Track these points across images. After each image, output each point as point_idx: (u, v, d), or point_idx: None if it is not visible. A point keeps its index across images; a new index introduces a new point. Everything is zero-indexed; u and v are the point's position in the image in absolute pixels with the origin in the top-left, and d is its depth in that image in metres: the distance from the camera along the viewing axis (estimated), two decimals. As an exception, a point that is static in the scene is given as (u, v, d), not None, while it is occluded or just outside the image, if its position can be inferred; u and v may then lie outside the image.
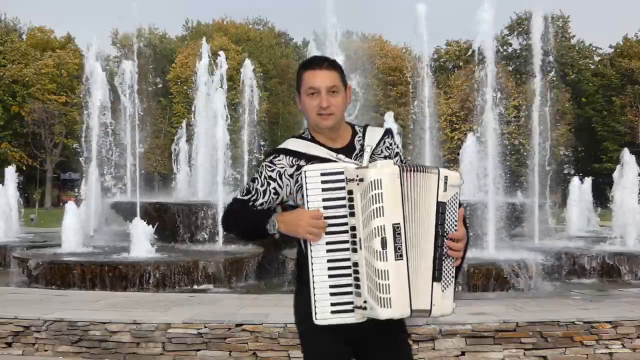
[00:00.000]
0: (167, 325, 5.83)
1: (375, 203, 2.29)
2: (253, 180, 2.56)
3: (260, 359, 5.70)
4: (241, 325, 5.78)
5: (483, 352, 5.72)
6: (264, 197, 2.53)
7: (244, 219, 2.55)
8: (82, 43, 57.95)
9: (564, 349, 5.78)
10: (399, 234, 2.30)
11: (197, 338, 5.76)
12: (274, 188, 2.52)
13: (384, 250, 2.28)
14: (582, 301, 7.13)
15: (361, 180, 2.32)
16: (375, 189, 2.29)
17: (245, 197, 2.54)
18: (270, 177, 2.52)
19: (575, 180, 19.18)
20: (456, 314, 5.91)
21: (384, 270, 2.27)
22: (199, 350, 5.75)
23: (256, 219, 2.50)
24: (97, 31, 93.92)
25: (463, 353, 5.71)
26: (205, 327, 5.78)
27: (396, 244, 2.29)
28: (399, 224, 2.31)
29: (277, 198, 2.54)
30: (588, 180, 20.12)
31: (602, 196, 20.24)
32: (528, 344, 5.76)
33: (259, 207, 2.53)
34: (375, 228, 2.29)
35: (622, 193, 12.59)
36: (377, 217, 2.29)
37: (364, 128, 2.64)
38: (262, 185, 2.53)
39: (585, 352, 5.79)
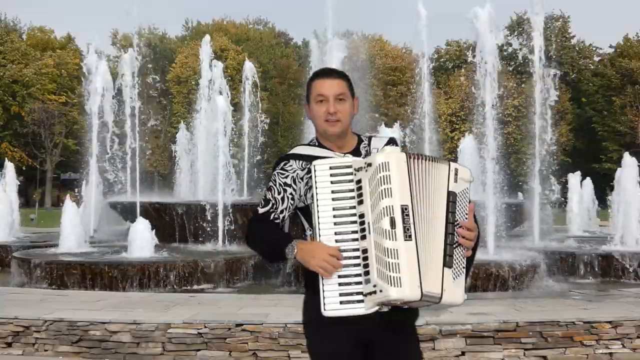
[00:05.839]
0: (167, 325, 5.83)
1: (384, 184, 2.33)
2: (269, 189, 2.61)
3: (260, 359, 5.71)
4: (241, 325, 5.78)
5: (483, 352, 5.72)
6: (283, 204, 2.59)
7: (265, 240, 2.58)
8: (82, 43, 58.06)
9: (564, 349, 5.79)
10: (407, 215, 2.32)
11: (197, 338, 5.76)
12: (291, 194, 2.59)
13: (393, 230, 2.29)
14: (582, 301, 7.13)
15: (369, 165, 2.37)
16: (383, 171, 2.34)
17: (266, 209, 2.59)
18: (285, 183, 2.59)
19: (575, 179, 19.14)
20: (456, 314, 5.94)
21: (394, 249, 2.28)
22: (199, 350, 5.75)
23: (276, 242, 2.52)
24: (97, 31, 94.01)
25: (463, 353, 5.71)
26: (205, 327, 5.78)
27: (405, 225, 2.31)
28: (407, 205, 2.33)
29: (294, 203, 2.61)
30: (588, 180, 20.11)
31: (602, 196, 20.22)
32: (528, 344, 5.77)
33: (280, 216, 2.58)
34: (383, 208, 2.31)
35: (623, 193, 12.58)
36: (385, 197, 2.32)
37: (369, 137, 2.74)
38: (279, 193, 2.59)
39: (585, 352, 5.80)
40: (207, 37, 18.74)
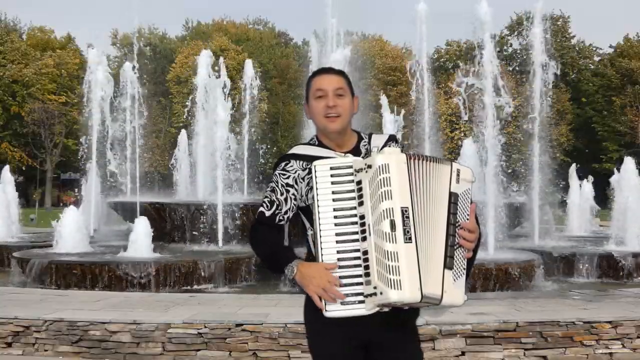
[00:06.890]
0: (167, 325, 5.83)
1: (383, 186, 2.32)
2: (272, 190, 2.61)
3: (260, 359, 5.71)
4: (241, 325, 5.78)
5: (483, 352, 5.72)
6: (286, 204, 2.59)
7: (268, 249, 2.58)
8: (82, 43, 58.07)
9: (564, 349, 5.79)
10: (408, 217, 2.31)
11: (197, 338, 5.76)
12: (293, 194, 2.59)
13: (393, 232, 2.29)
14: (582, 301, 7.13)
15: (369, 166, 2.36)
16: (383, 173, 2.33)
17: (271, 211, 2.59)
18: (287, 184, 2.59)
19: (575, 178, 19.12)
20: (456, 314, 5.93)
21: (394, 252, 2.28)
22: (199, 350, 5.75)
23: (277, 257, 2.52)
24: (97, 31, 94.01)
25: (463, 353, 5.72)
26: (205, 327, 5.79)
27: (405, 227, 2.30)
28: (407, 207, 2.32)
29: (297, 203, 2.61)
30: (588, 180, 20.08)
31: (602, 196, 20.22)
32: (528, 344, 5.77)
33: (285, 217, 2.59)
34: (383, 210, 2.31)
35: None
36: (385, 199, 2.31)
37: (370, 135, 2.73)
38: (281, 194, 2.59)
39: (585, 352, 5.80)
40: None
